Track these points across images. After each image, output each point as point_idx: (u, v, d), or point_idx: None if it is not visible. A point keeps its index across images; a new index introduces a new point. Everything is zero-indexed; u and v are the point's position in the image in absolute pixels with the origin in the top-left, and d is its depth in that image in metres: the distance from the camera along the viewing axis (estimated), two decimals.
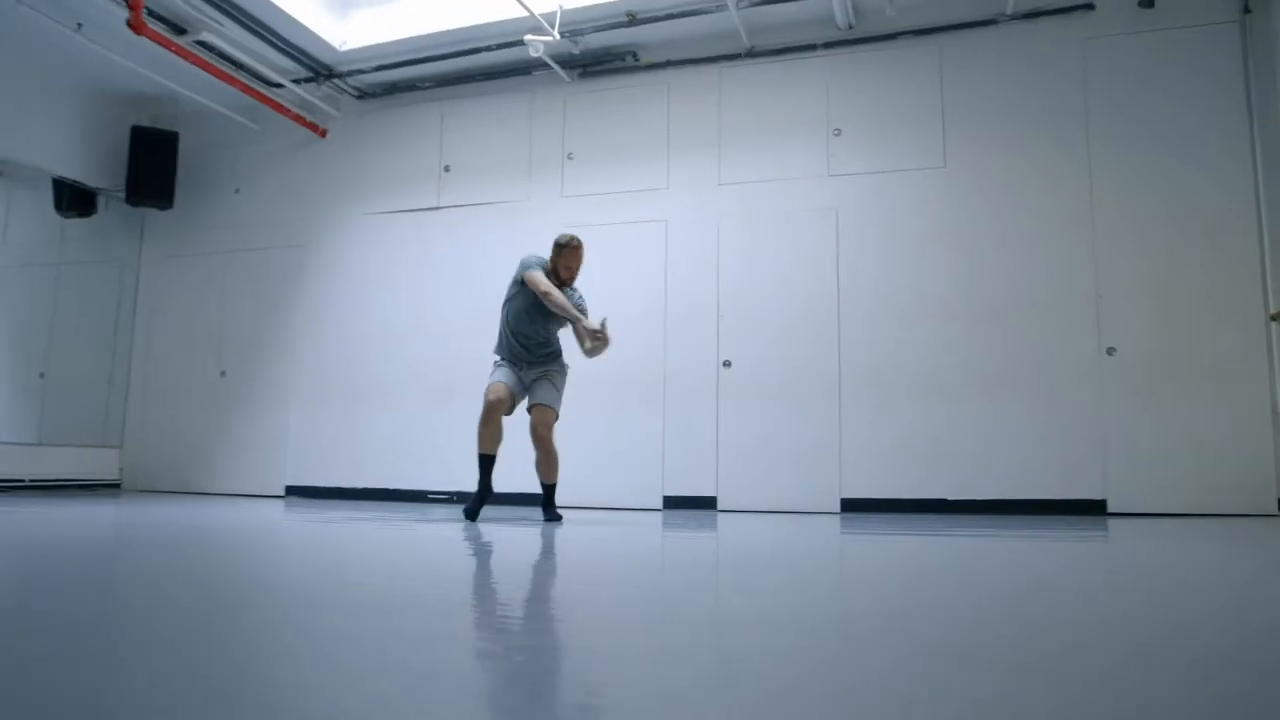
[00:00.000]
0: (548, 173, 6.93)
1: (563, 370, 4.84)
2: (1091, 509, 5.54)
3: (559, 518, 4.77)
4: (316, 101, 7.28)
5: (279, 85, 7.03)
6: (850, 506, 5.94)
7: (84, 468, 7.43)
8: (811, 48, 6.41)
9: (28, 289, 7.53)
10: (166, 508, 5.36)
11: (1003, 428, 5.73)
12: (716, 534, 4.14)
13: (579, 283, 4.94)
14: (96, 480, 7.49)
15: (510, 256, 6.75)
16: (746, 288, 6.32)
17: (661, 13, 6.23)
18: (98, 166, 7.48)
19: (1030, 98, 5.96)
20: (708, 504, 6.20)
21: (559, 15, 6.14)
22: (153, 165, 7.43)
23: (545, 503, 4.80)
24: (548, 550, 3.17)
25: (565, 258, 4.70)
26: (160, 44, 6.03)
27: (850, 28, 6.28)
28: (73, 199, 7.43)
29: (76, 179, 7.37)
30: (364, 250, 7.31)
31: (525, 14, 6.16)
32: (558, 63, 6.72)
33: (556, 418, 4.70)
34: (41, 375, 7.59)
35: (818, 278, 6.20)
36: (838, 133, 6.30)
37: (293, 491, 7.20)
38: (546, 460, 4.67)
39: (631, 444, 6.40)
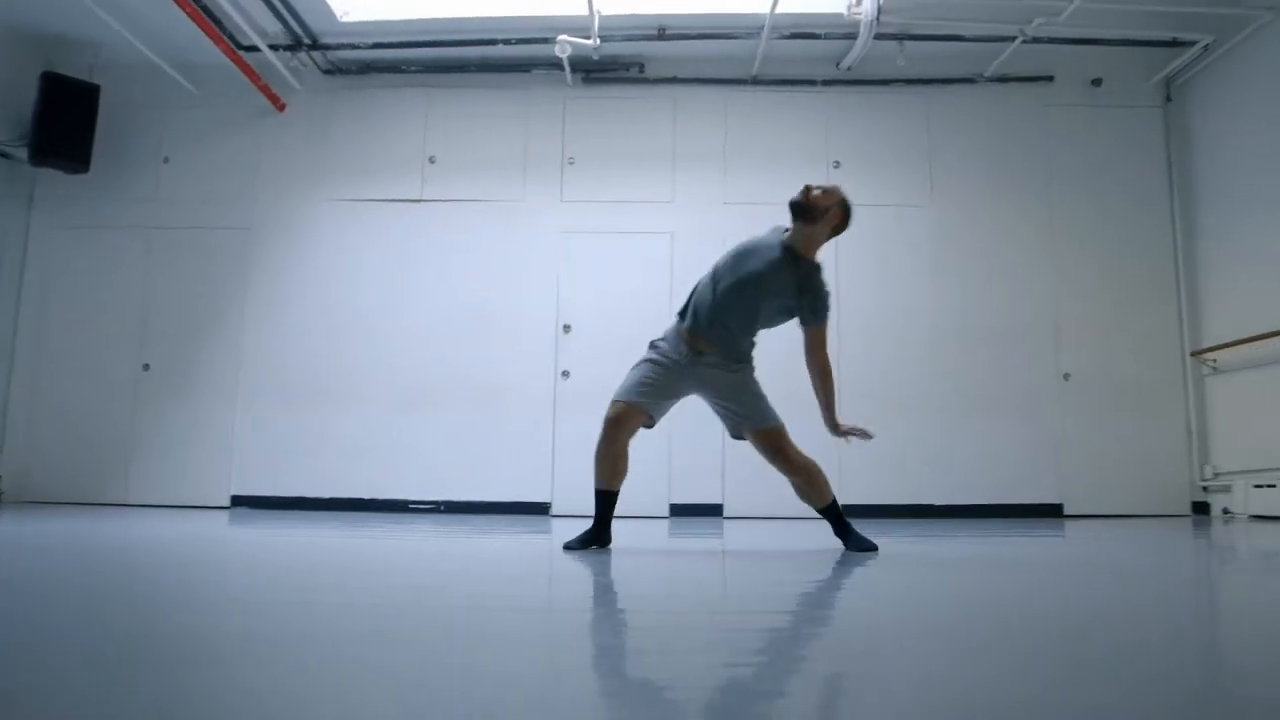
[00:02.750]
0: (545, 175, 6.79)
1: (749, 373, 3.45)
2: (1051, 512, 6.43)
3: (870, 543, 3.44)
4: (283, 71, 6.58)
5: (253, 49, 6.29)
6: (848, 513, 6.40)
7: None
8: (812, 83, 6.84)
9: None
10: (135, 526, 4.69)
11: (980, 440, 6.48)
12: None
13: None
14: None
15: (504, 256, 6.61)
16: None
17: (693, 31, 6.38)
18: None
19: (1003, 150, 6.79)
20: (714, 511, 6.41)
21: (596, 20, 6.08)
22: (68, 121, 6.32)
23: (839, 531, 3.49)
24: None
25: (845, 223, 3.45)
26: None
27: (849, 69, 6.79)
28: None
29: None
30: (331, 238, 6.72)
31: (549, 13, 6.09)
32: (564, 66, 6.63)
33: (781, 431, 3.39)
34: None
35: None
36: (837, 165, 6.78)
37: (241, 502, 6.44)
38: (804, 480, 3.43)
39: (639, 454, 6.44)
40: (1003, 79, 6.80)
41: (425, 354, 6.58)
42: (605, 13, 6.09)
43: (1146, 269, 6.68)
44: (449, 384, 6.57)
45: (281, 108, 6.77)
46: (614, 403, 3.40)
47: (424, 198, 6.75)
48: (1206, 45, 6.29)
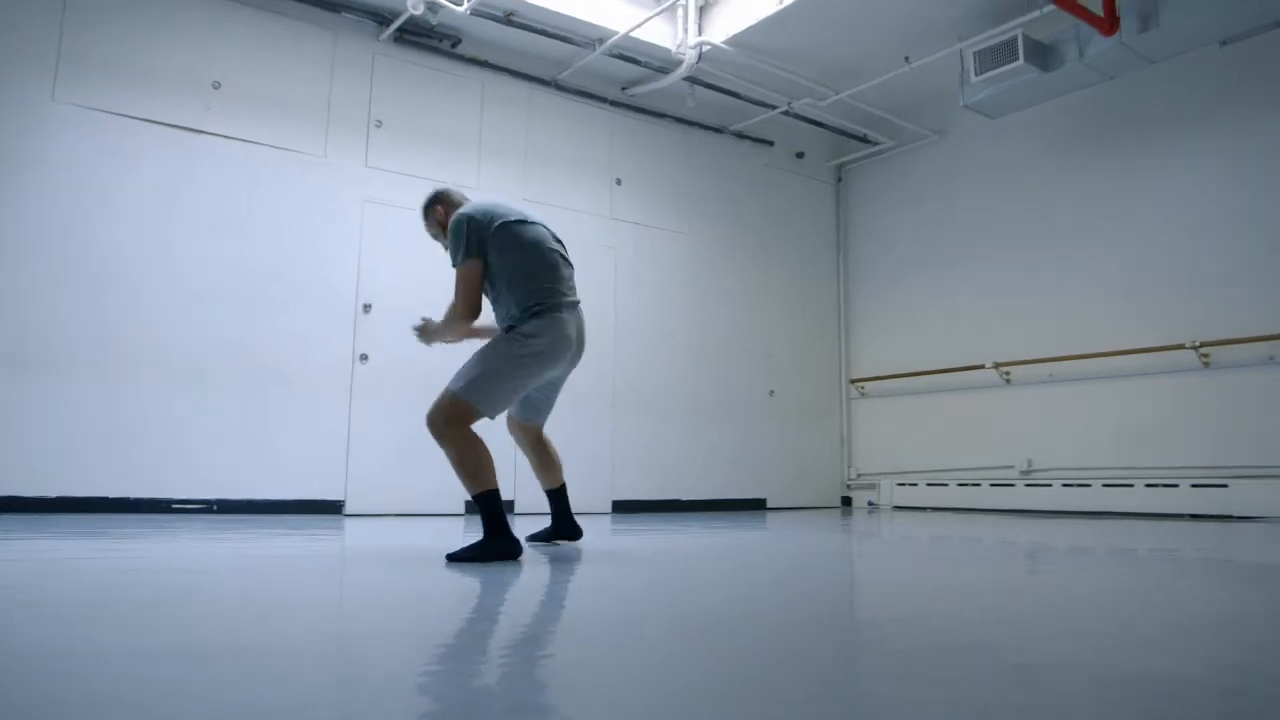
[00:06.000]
0: (351, 134, 6.05)
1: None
2: (758, 505, 7.71)
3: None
4: None
5: None
6: (619, 508, 6.90)
7: None
8: (603, 99, 7.20)
9: None
10: None
11: (709, 443, 7.47)
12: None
13: None
14: None
15: (300, 215, 5.90)
16: None
17: (537, 26, 6.30)
18: None
19: (737, 196, 7.94)
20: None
21: None
22: None
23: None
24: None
25: None
26: None
27: (633, 96, 7.30)
28: None
29: None
30: (66, 155, 5.08)
31: None
32: (378, 20, 6.04)
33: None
34: None
35: (598, 308, 6.99)
36: (619, 182, 7.24)
37: None
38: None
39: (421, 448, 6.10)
40: (740, 135, 7.96)
41: (194, 320, 5.38)
42: None
43: (824, 310, 8.40)
44: (224, 360, 5.47)
45: None
46: None
47: (205, 129, 5.51)
48: (881, 147, 8.20)
